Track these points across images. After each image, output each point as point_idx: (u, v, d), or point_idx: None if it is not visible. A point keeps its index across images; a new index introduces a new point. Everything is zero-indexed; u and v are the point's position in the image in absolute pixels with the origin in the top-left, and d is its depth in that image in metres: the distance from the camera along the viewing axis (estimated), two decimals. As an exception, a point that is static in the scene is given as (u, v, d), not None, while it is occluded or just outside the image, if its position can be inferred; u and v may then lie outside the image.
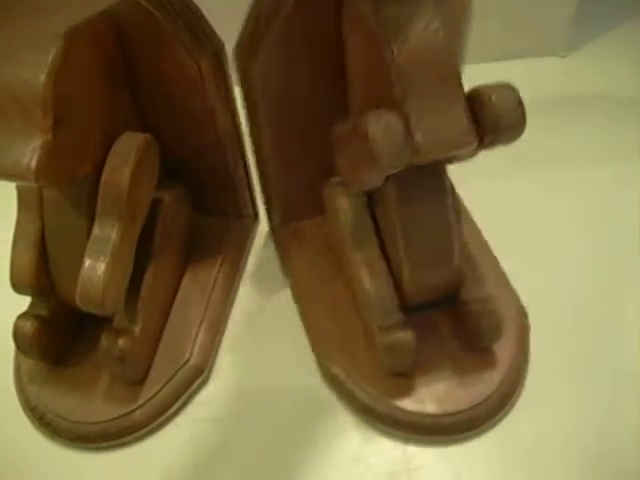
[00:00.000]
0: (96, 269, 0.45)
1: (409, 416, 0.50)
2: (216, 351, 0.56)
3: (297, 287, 0.59)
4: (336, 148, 0.47)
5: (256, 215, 0.64)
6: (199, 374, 0.54)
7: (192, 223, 0.61)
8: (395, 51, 0.40)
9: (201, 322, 0.56)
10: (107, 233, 0.46)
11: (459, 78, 0.41)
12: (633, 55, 0.82)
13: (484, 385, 0.51)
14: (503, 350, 0.52)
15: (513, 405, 0.52)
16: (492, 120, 0.41)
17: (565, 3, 0.78)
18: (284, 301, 0.60)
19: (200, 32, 0.48)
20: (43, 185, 0.43)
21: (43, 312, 0.52)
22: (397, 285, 0.50)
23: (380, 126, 0.39)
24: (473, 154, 0.43)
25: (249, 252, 0.63)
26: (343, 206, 0.52)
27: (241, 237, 0.62)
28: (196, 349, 0.54)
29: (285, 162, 0.55)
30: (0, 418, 0.54)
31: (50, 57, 0.41)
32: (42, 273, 0.51)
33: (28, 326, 0.51)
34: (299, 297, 0.58)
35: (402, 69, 0.40)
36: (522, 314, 0.55)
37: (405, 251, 0.48)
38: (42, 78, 0.41)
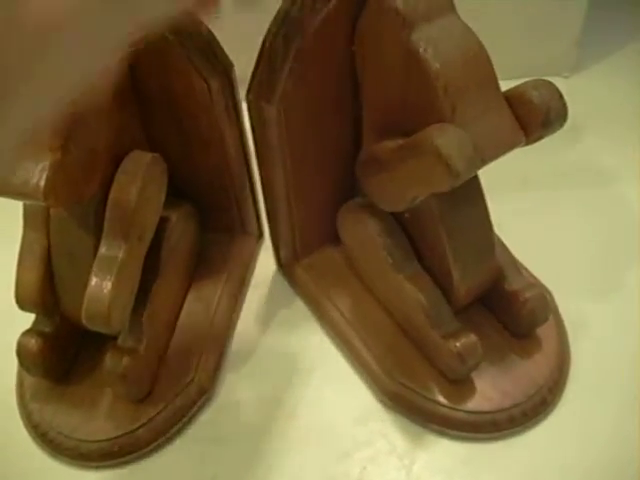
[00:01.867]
0: (102, 288, 0.45)
1: (484, 416, 0.51)
2: (220, 370, 0.56)
3: (331, 321, 0.58)
4: (371, 171, 0.49)
5: (261, 233, 0.64)
6: (203, 393, 0.54)
7: (198, 241, 0.61)
8: (439, 66, 0.41)
9: (205, 341, 0.56)
10: (114, 252, 0.46)
11: (497, 81, 0.43)
12: (637, 77, 0.82)
13: (538, 372, 0.53)
14: (547, 333, 0.55)
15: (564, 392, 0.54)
16: (541, 115, 0.43)
17: (570, 24, 0.78)
18: (288, 319, 0.60)
19: (210, 52, 0.48)
20: (51, 204, 0.43)
21: (47, 329, 0.52)
22: (445, 292, 0.51)
23: (452, 142, 0.40)
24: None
25: (253, 270, 0.63)
26: (377, 228, 0.52)
27: (246, 255, 0.62)
28: (200, 368, 0.54)
29: (297, 199, 0.55)
30: (2, 434, 0.54)
31: (60, 76, 0.41)
32: (47, 291, 0.50)
33: (32, 343, 0.51)
34: (337, 330, 0.57)
35: (448, 82, 0.41)
36: (550, 296, 0.57)
37: (454, 258, 0.49)
38: (52, 97, 0.41)
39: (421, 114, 0.44)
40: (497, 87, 0.43)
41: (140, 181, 0.46)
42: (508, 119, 0.44)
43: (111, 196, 0.46)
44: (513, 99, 0.44)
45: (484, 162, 0.42)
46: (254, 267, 0.63)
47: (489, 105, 0.43)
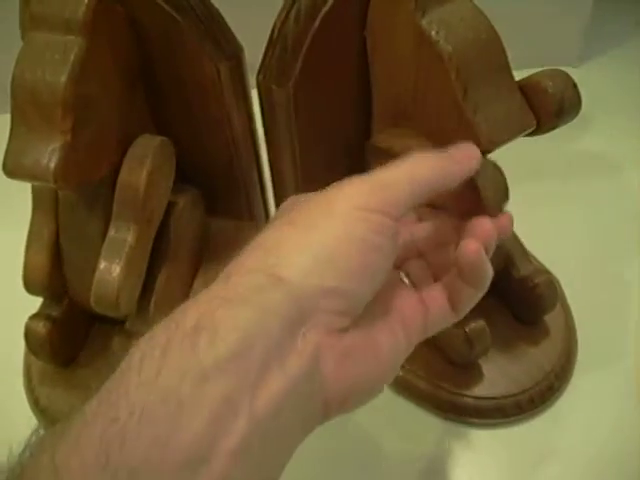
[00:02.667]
0: (111, 271, 0.45)
1: (491, 402, 0.51)
2: (227, 355, 0.56)
3: None
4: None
5: (268, 220, 0.64)
6: (209, 377, 0.53)
7: (204, 226, 0.61)
8: (451, 49, 0.41)
9: (212, 326, 0.55)
10: (123, 235, 0.46)
11: (509, 65, 0.43)
12: (645, 67, 0.82)
13: (545, 358, 0.53)
14: (554, 320, 0.55)
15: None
16: (555, 106, 0.43)
17: (579, 14, 0.78)
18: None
19: (221, 36, 0.48)
20: (61, 187, 0.43)
21: (55, 313, 0.52)
22: None
23: (488, 180, 0.41)
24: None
25: (261, 257, 0.63)
26: None
27: (253, 241, 0.62)
28: (207, 353, 0.54)
29: (305, 184, 0.55)
30: (9, 419, 0.54)
31: (71, 58, 0.41)
32: (55, 274, 0.50)
33: (40, 327, 0.51)
34: None
35: (460, 65, 0.41)
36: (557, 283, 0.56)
37: None
38: (63, 79, 0.41)
39: (432, 99, 0.44)
40: (509, 70, 0.43)
41: (149, 164, 0.47)
42: (519, 102, 0.43)
43: (120, 179, 0.46)
44: (527, 88, 0.44)
45: (496, 145, 0.42)
46: (261, 253, 0.63)
47: (501, 88, 0.43)
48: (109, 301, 0.45)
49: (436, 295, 0.38)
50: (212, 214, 0.61)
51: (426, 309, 0.37)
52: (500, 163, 0.49)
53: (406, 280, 0.39)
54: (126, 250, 0.46)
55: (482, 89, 0.42)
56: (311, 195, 0.35)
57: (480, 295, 0.37)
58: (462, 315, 0.38)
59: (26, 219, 0.51)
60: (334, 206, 0.33)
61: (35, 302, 0.53)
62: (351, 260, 0.31)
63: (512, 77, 0.44)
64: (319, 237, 0.31)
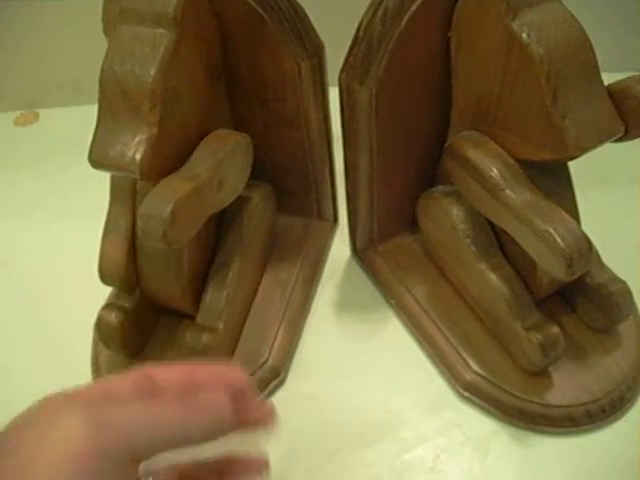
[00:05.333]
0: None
1: (561, 410, 0.50)
2: (293, 353, 0.56)
3: (406, 308, 0.58)
4: (461, 174, 0.49)
5: (336, 218, 0.64)
6: (276, 375, 0.54)
7: (275, 224, 0.61)
8: (542, 52, 0.40)
9: (280, 323, 0.56)
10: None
11: (599, 69, 0.43)
12: None
13: (617, 368, 0.52)
14: (626, 329, 0.54)
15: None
16: None
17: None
18: (362, 306, 0.60)
19: (303, 33, 0.48)
20: (145, 178, 0.43)
21: (127, 304, 0.52)
22: (527, 283, 0.51)
23: (572, 244, 0.42)
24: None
25: (328, 255, 0.63)
26: (461, 215, 0.52)
27: (321, 240, 0.63)
28: (274, 350, 0.54)
29: (379, 183, 0.55)
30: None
31: (160, 51, 0.41)
32: (131, 266, 0.51)
33: (112, 317, 0.51)
34: (412, 317, 0.57)
35: (551, 68, 0.41)
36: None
37: None
38: (152, 72, 0.41)
39: (518, 102, 0.44)
40: (598, 74, 0.43)
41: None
42: (608, 108, 0.43)
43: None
44: (616, 93, 0.43)
45: (584, 151, 0.42)
46: (329, 252, 0.63)
47: (590, 93, 0.42)
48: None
49: None
50: (281, 211, 0.61)
51: None
52: (574, 170, 0.48)
53: None
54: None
55: (571, 93, 0.42)
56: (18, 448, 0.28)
57: None
58: None
59: (101, 208, 0.51)
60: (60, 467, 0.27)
61: (100, 293, 0.54)
62: None
63: (601, 81, 0.43)
64: None
